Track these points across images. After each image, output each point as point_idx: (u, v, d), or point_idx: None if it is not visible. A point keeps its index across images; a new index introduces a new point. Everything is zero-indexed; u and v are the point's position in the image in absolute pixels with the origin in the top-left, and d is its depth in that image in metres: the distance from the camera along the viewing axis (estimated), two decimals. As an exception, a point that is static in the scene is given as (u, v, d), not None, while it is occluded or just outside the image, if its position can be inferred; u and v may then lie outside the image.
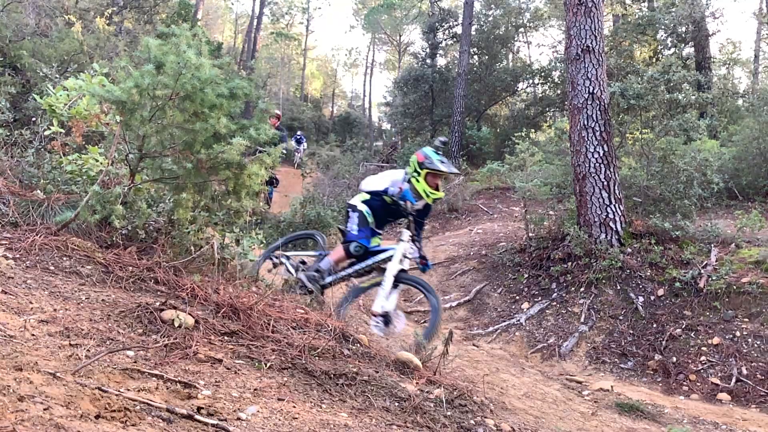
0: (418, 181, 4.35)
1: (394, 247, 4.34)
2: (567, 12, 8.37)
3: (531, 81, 21.37)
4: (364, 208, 4.51)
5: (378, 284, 4.30)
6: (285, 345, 2.83)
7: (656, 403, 4.87)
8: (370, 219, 4.49)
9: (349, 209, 4.58)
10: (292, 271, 4.67)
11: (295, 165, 18.14)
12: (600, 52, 8.02)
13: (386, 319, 3.95)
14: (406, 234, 4.36)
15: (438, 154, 4.39)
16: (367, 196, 4.57)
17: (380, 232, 4.64)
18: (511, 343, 6.82)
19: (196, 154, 3.60)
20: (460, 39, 19.51)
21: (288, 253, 4.99)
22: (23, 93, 7.75)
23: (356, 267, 4.40)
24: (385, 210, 4.53)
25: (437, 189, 4.41)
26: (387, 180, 4.49)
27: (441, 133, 19.92)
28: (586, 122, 7.90)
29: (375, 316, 4.02)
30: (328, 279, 4.41)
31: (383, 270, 4.32)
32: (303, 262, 4.80)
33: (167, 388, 2.09)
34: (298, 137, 18.21)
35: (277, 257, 4.91)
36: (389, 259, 4.30)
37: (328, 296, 4.61)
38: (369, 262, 4.37)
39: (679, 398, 5.40)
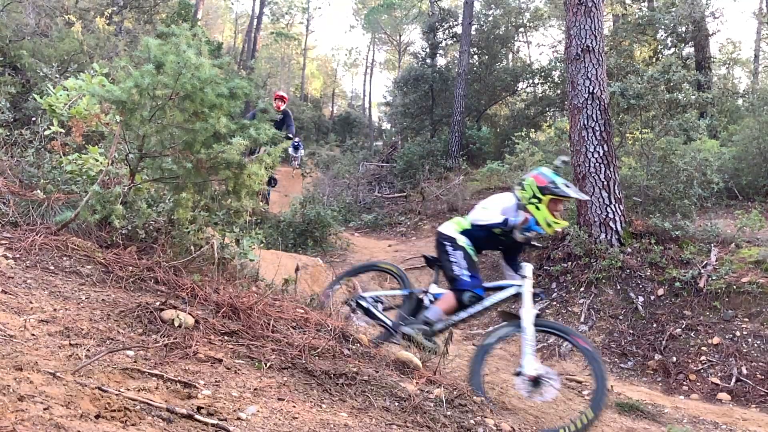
0: (538, 208, 3.68)
1: (512, 284, 3.72)
2: (567, 12, 8.37)
3: (531, 81, 21.32)
4: (464, 241, 3.81)
5: (506, 333, 3.63)
6: (285, 345, 2.83)
7: (656, 403, 4.87)
8: (474, 256, 3.82)
9: (447, 243, 3.82)
10: (383, 317, 3.94)
11: (293, 171, 17.94)
12: (600, 52, 8.02)
13: (537, 381, 3.31)
14: (529, 268, 3.70)
15: (559, 176, 3.78)
16: (467, 225, 3.87)
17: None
18: (511, 343, 6.80)
19: (196, 154, 3.60)
20: (460, 39, 19.49)
21: (366, 294, 4.21)
22: (23, 93, 7.75)
23: (471, 311, 3.71)
24: (489, 241, 3.88)
25: (557, 216, 3.76)
26: (498, 208, 3.79)
27: (441, 133, 19.91)
28: (586, 122, 7.90)
29: (521, 376, 3.35)
30: (439, 326, 3.71)
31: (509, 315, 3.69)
32: (379, 300, 4.15)
33: (167, 388, 2.09)
34: (296, 143, 17.95)
35: (353, 300, 4.14)
36: (512, 298, 3.68)
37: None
38: (486, 304, 3.71)
39: (679, 398, 5.40)
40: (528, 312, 3.51)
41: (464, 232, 3.85)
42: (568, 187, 3.72)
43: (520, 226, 3.62)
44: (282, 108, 9.71)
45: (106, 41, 11.34)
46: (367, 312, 4.02)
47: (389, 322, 3.87)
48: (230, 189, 3.77)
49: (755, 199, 10.47)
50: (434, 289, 3.89)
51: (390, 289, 4.45)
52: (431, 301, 3.81)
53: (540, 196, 3.68)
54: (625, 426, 4.04)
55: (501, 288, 3.74)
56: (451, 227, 3.92)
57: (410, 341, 3.59)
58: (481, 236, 3.83)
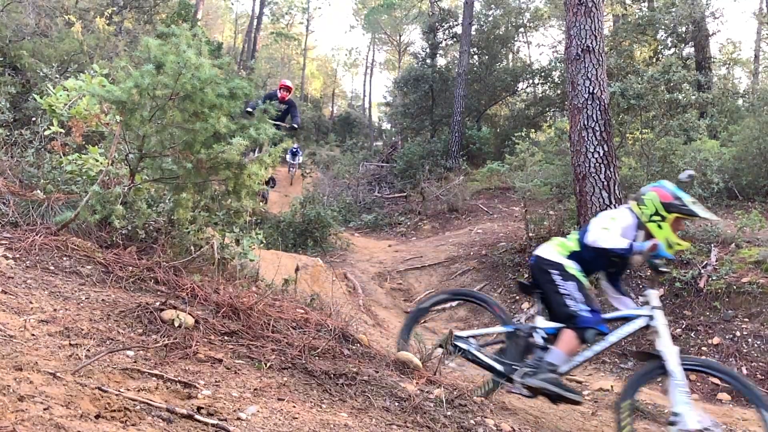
0: (660, 227, 3.22)
1: (638, 314, 3.23)
2: (567, 12, 8.37)
3: (531, 81, 21.34)
4: (574, 268, 3.29)
5: (647, 379, 3.14)
6: (285, 345, 2.83)
7: (656, 403, 4.87)
8: (587, 285, 3.30)
9: (554, 272, 3.28)
10: (492, 362, 3.39)
11: (291, 180, 17.76)
12: (600, 52, 8.02)
13: None
14: (656, 295, 3.22)
15: (683, 191, 3.32)
16: (574, 247, 3.36)
17: None
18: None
19: (196, 154, 3.60)
20: (460, 39, 19.50)
21: (464, 333, 3.58)
22: (23, 93, 7.75)
23: (597, 349, 3.23)
24: (600, 263, 3.38)
25: (678, 236, 3.29)
26: (618, 228, 3.24)
27: (441, 133, 19.90)
28: (586, 122, 7.90)
29: (678, 427, 2.83)
30: (564, 369, 3.23)
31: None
32: (472, 336, 3.60)
33: (167, 388, 2.09)
34: (294, 149, 17.76)
35: (448, 341, 3.52)
36: (641, 331, 3.23)
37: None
38: (612, 340, 3.22)
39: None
40: (671, 350, 3.00)
41: (573, 257, 3.32)
42: (695, 204, 3.24)
43: (648, 253, 3.11)
44: (287, 98, 9.41)
45: (106, 41, 11.34)
46: (468, 355, 3.42)
47: (501, 368, 3.31)
48: (230, 189, 3.77)
49: (755, 199, 10.47)
50: (542, 322, 3.35)
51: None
52: (544, 339, 3.29)
53: (664, 213, 3.22)
54: None
55: (625, 319, 3.25)
56: (554, 250, 3.37)
57: (539, 393, 3.14)
58: (592, 258, 3.31)
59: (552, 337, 3.28)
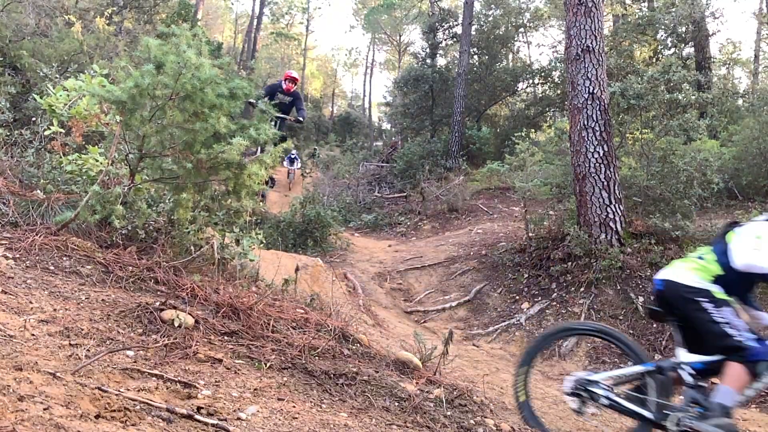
0: None
1: None
2: (567, 12, 8.37)
3: (531, 81, 21.33)
4: (722, 293, 2.94)
5: None
6: (285, 345, 2.83)
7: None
8: (740, 310, 3.03)
9: (703, 300, 2.91)
10: (638, 409, 2.99)
11: (290, 185, 17.70)
12: (600, 52, 8.02)
13: None
14: None
15: None
16: (717, 270, 2.98)
17: None
18: (511, 343, 6.82)
19: (196, 154, 3.60)
20: (460, 39, 19.52)
21: (597, 377, 3.14)
22: (23, 93, 7.75)
23: (758, 386, 2.85)
24: (743, 287, 3.05)
25: None
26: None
27: (441, 133, 19.89)
28: (586, 122, 7.90)
29: None
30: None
31: None
32: (606, 379, 3.19)
33: (167, 388, 2.09)
34: (293, 156, 17.62)
35: (581, 385, 3.10)
36: None
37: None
38: None
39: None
40: None
41: (719, 281, 2.95)
42: None
43: None
44: (293, 90, 9.00)
45: (106, 41, 11.34)
46: (606, 401, 3.03)
47: (650, 415, 2.93)
48: (230, 189, 3.77)
49: (755, 199, 10.47)
50: (687, 356, 2.98)
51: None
52: (693, 376, 2.94)
53: None
54: (625, 426, 4.04)
55: None
56: (694, 275, 2.99)
57: None
58: (736, 281, 2.97)
59: (700, 372, 2.95)
